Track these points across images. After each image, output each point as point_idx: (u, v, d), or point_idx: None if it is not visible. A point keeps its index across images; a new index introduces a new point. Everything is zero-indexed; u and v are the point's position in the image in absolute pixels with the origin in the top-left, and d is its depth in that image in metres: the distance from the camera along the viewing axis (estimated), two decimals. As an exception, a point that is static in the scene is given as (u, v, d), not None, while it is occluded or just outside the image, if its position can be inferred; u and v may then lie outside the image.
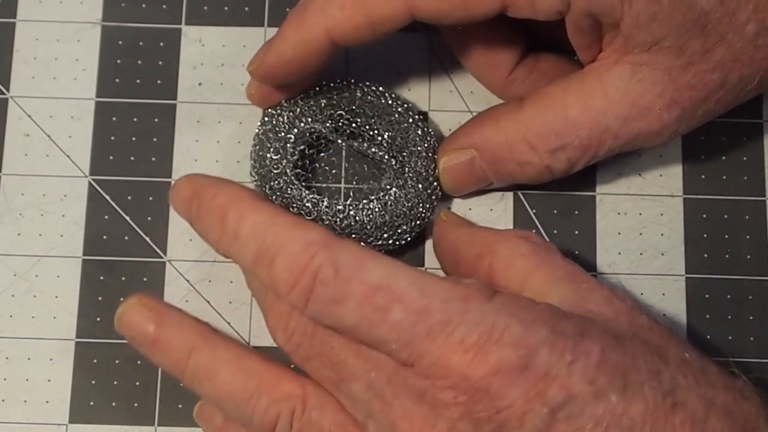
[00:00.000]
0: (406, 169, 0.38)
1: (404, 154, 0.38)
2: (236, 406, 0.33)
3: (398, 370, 0.30)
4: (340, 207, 0.37)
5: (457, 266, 0.36)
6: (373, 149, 0.39)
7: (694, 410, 0.29)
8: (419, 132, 0.39)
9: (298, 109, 0.38)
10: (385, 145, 0.39)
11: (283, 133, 0.38)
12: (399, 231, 0.38)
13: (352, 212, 0.37)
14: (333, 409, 0.32)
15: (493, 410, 0.28)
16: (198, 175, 0.35)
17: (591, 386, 0.28)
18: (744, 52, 0.34)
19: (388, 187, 0.38)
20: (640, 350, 0.30)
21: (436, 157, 0.38)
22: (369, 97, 0.39)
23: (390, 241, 0.38)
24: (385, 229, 0.37)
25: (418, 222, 0.38)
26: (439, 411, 0.29)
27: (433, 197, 0.38)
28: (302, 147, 0.39)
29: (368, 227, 0.37)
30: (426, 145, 0.38)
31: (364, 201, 0.37)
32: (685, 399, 0.29)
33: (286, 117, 0.38)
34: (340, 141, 0.40)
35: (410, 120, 0.39)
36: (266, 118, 0.39)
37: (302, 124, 0.38)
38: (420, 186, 0.38)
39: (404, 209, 0.37)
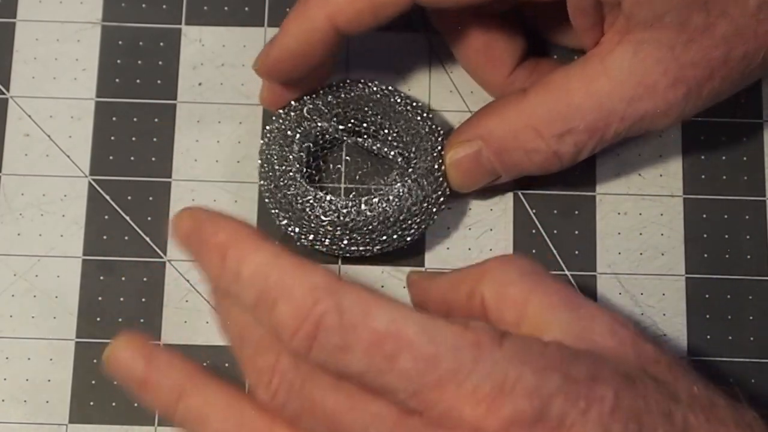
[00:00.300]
0: (413, 165, 0.38)
1: (411, 150, 0.38)
2: None
3: (403, 420, 0.29)
4: (343, 203, 0.37)
5: (451, 315, 0.34)
6: (379, 146, 0.39)
7: None
8: (426, 129, 0.38)
9: (306, 108, 0.38)
10: (394, 143, 0.39)
11: (290, 132, 0.38)
12: (404, 227, 0.38)
13: (355, 209, 0.37)
14: None
15: None
16: (198, 209, 0.32)
17: None
18: (747, 26, 0.33)
19: (394, 182, 0.38)
20: (651, 390, 0.29)
21: (443, 153, 0.38)
22: (376, 96, 0.39)
23: (394, 237, 0.38)
24: (389, 224, 0.37)
25: (424, 218, 0.38)
26: None
27: (440, 193, 0.38)
28: (308, 145, 0.39)
29: (373, 224, 0.37)
30: (433, 140, 0.38)
31: (369, 197, 0.37)
32: None
33: (293, 115, 0.38)
34: (347, 139, 0.39)
35: (418, 117, 0.39)
36: (274, 117, 0.39)
37: (309, 123, 0.38)
38: (426, 182, 0.38)
39: (410, 205, 0.37)
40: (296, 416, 0.30)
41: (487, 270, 0.33)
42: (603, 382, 0.28)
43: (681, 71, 0.34)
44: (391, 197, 0.37)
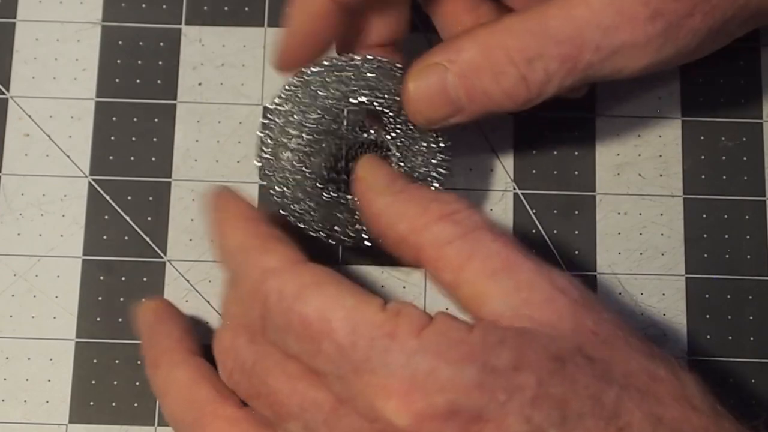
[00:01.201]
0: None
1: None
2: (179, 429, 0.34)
3: (335, 409, 0.29)
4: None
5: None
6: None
7: None
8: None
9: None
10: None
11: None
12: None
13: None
14: None
15: None
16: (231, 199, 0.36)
17: (528, 425, 0.27)
18: None
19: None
20: (582, 372, 0.28)
21: (404, 84, 0.36)
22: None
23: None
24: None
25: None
26: None
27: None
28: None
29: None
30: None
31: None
32: (630, 421, 0.28)
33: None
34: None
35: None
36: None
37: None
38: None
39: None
40: (248, 396, 0.32)
41: (427, 225, 0.32)
42: (526, 369, 0.28)
43: (662, 3, 0.33)
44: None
